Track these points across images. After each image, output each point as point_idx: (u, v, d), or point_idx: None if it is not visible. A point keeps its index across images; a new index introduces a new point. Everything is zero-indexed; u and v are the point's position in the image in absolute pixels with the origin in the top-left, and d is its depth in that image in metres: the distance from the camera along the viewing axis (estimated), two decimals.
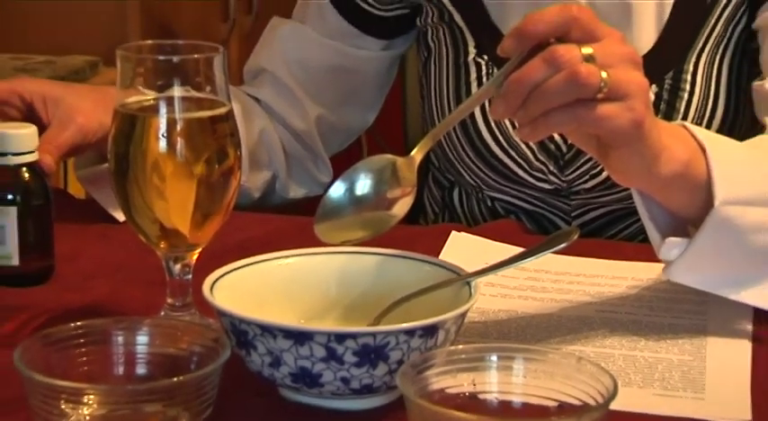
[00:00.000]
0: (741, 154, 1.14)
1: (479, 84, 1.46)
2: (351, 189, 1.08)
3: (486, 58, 1.46)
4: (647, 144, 1.03)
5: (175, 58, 1.04)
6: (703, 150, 1.09)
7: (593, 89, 0.96)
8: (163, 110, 1.03)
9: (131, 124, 1.04)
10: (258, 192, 1.54)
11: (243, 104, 1.53)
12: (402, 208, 1.08)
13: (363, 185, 1.07)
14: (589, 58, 0.96)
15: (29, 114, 1.28)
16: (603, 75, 0.96)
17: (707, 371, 1.05)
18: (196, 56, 1.05)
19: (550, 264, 1.23)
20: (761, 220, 1.10)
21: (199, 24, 2.88)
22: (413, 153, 1.07)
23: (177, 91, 1.04)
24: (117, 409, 0.91)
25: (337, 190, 1.08)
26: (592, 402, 0.85)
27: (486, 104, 1.37)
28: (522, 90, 0.97)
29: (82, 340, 0.95)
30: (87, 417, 0.89)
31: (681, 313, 1.17)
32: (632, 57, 1.01)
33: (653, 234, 1.12)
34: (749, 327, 1.14)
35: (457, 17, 1.49)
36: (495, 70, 1.43)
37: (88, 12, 2.64)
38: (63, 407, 0.88)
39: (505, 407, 0.90)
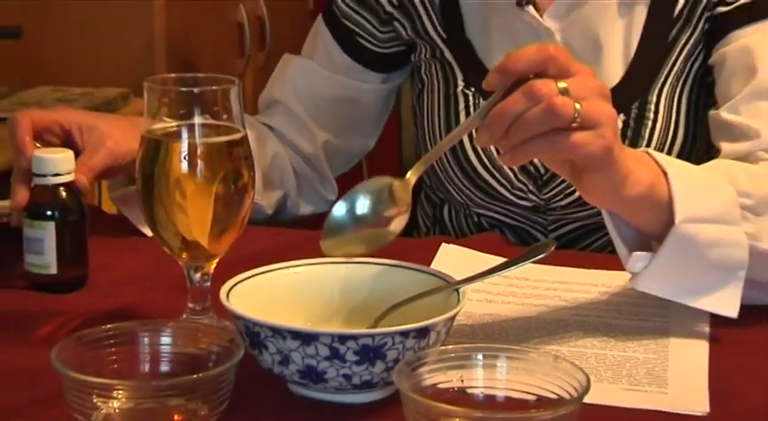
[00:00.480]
0: (699, 177, 1.14)
1: (467, 113, 1.46)
2: (352, 209, 1.08)
3: (472, 90, 1.46)
4: (616, 168, 1.03)
5: (196, 90, 1.04)
6: (665, 174, 1.09)
7: (568, 119, 0.96)
8: (185, 135, 1.03)
9: (156, 148, 1.04)
10: (271, 209, 1.53)
11: (257, 131, 1.52)
12: (397, 225, 1.08)
13: (363, 206, 1.08)
14: (564, 92, 0.96)
15: (67, 140, 1.28)
16: (577, 106, 0.96)
17: (669, 369, 1.05)
18: (214, 87, 1.05)
19: (530, 272, 1.22)
20: (716, 236, 1.10)
21: (218, 59, 2.88)
22: (407, 176, 1.07)
23: (197, 119, 1.04)
24: (143, 403, 0.90)
25: (339, 210, 1.08)
26: (567, 396, 0.85)
27: (474, 131, 1.39)
28: (505, 121, 0.97)
29: (112, 341, 0.94)
30: (117, 410, 0.89)
31: (645, 316, 1.17)
32: (602, 90, 1.02)
33: (620, 249, 1.12)
34: (706, 329, 1.13)
35: (447, 54, 1.49)
36: (482, 101, 1.43)
37: (120, 48, 2.64)
38: (95, 400, 0.88)
39: (490, 400, 0.90)
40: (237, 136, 1.05)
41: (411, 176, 1.08)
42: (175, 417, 0.89)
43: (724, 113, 1.32)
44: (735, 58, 1.35)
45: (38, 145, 1.24)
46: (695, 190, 1.11)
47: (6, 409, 0.95)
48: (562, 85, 0.97)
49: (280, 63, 1.61)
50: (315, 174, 1.60)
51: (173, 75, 1.09)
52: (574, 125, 0.97)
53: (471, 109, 1.46)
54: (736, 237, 1.12)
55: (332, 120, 1.59)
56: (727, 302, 1.12)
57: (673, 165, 1.12)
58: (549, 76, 0.98)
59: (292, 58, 1.61)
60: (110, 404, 0.88)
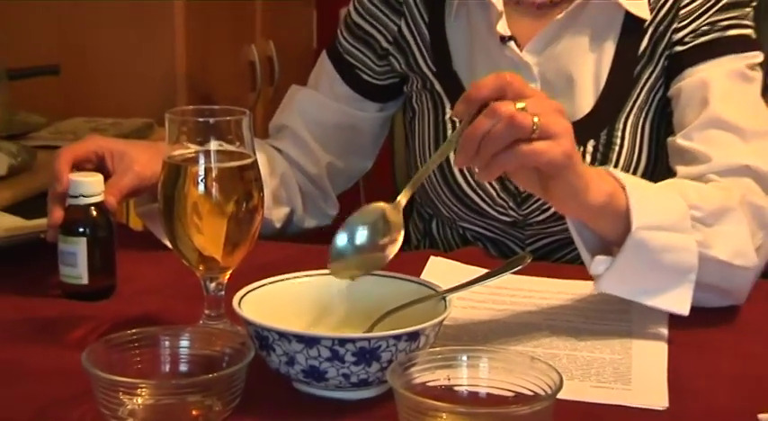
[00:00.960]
0: (653, 190, 1.15)
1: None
2: (352, 239, 1.07)
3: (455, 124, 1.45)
4: (577, 176, 1.04)
5: (211, 120, 1.04)
6: (623, 187, 1.10)
7: (528, 130, 0.97)
8: (201, 161, 1.03)
9: (176, 172, 1.04)
10: (279, 223, 1.53)
11: (267, 154, 1.52)
12: (392, 250, 1.07)
13: (361, 236, 1.07)
14: (522, 110, 0.97)
15: (100, 165, 1.28)
16: (535, 119, 0.97)
17: (632, 368, 1.05)
18: (228, 118, 1.04)
19: (509, 282, 1.21)
20: (668, 242, 1.11)
21: (232, 93, 2.88)
22: (399, 198, 1.07)
23: (213, 145, 1.03)
24: (164, 399, 0.90)
25: (342, 240, 1.07)
26: (542, 393, 0.85)
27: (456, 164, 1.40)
28: (474, 141, 0.98)
29: (136, 344, 0.94)
30: (140, 406, 0.88)
31: (610, 321, 1.16)
32: (557, 107, 1.03)
33: (584, 253, 1.13)
34: (665, 332, 1.13)
35: (436, 85, 1.48)
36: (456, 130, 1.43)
37: (145, 83, 2.64)
38: (121, 397, 0.88)
39: (473, 397, 0.90)
40: (248, 161, 1.05)
41: (401, 199, 1.07)
42: (193, 412, 0.89)
43: (679, 140, 1.32)
44: (690, 91, 1.35)
45: (73, 170, 1.24)
46: (650, 201, 1.12)
47: (42, 404, 0.94)
48: (520, 104, 0.98)
49: (288, 93, 1.61)
50: (318, 192, 1.60)
51: (191, 107, 1.08)
52: (534, 136, 0.98)
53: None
54: (686, 244, 1.12)
55: (334, 144, 1.58)
56: (679, 302, 1.12)
57: (630, 179, 1.13)
58: (507, 99, 0.98)
59: (299, 88, 1.60)
60: (134, 400, 0.88)
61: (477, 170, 1.03)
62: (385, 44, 1.53)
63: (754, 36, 1.39)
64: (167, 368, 0.95)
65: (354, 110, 1.57)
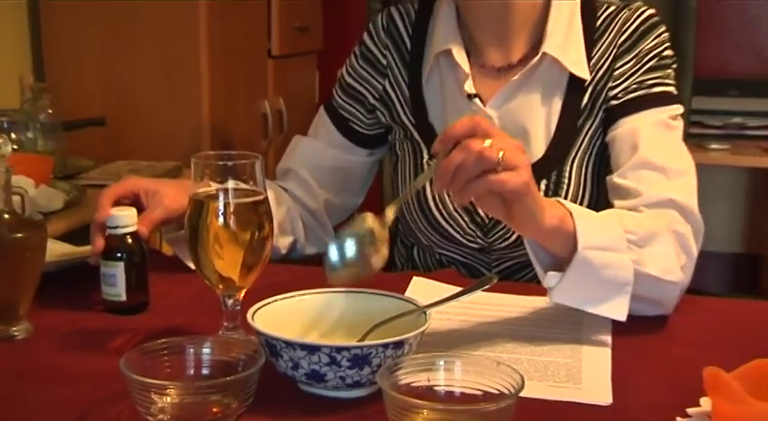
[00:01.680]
0: (595, 217, 1.16)
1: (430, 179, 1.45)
2: (342, 253, 1.07)
3: (434, 161, 1.44)
4: (535, 201, 1.06)
5: (230, 163, 1.04)
6: (571, 214, 1.11)
7: (494, 162, 0.98)
8: (221, 197, 1.03)
9: (200, 207, 1.04)
10: (285, 250, 1.53)
11: (276, 192, 1.52)
12: (378, 262, 1.07)
13: (351, 250, 1.07)
14: (490, 146, 0.98)
15: (136, 200, 1.28)
16: (500, 154, 0.98)
17: (582, 369, 1.04)
18: (244, 161, 1.04)
19: (479, 298, 1.20)
20: (608, 260, 1.12)
21: (248, 140, 2.89)
22: (386, 211, 1.08)
23: (231, 184, 1.03)
24: (189, 399, 0.90)
25: (333, 254, 1.07)
26: (507, 392, 0.85)
27: (433, 191, 1.42)
28: (450, 171, 1.00)
29: (165, 351, 0.94)
30: (169, 404, 0.88)
31: (563, 330, 1.15)
32: (517, 144, 1.04)
33: (539, 270, 1.14)
34: (609, 339, 1.13)
35: (415, 135, 1.49)
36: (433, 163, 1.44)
37: (175, 132, 2.66)
38: (153, 397, 0.87)
39: (449, 395, 0.90)
40: (260, 197, 1.05)
41: (388, 213, 1.08)
42: (214, 410, 0.89)
43: (616, 179, 1.33)
44: (623, 138, 1.36)
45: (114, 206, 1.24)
46: (593, 226, 1.12)
47: (87, 403, 0.93)
48: (488, 141, 0.99)
49: (292, 141, 1.61)
50: (317, 224, 1.59)
51: (213, 152, 1.08)
52: (499, 168, 0.99)
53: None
54: (623, 262, 1.13)
55: (330, 184, 1.58)
56: (618, 310, 1.13)
57: (576, 207, 1.14)
58: (477, 137, 0.99)
59: (301, 138, 1.60)
60: (164, 400, 0.88)
61: (452, 196, 1.04)
62: (372, 101, 1.53)
63: (675, 92, 1.40)
64: (192, 372, 0.95)
65: (347, 155, 1.57)
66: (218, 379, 0.91)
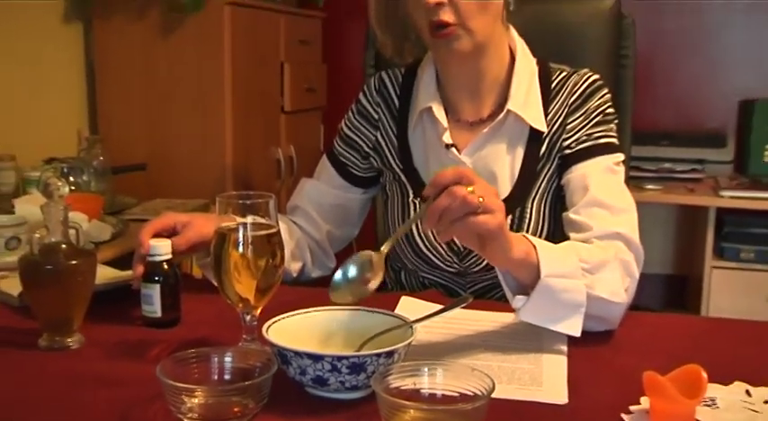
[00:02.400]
0: (555, 249, 1.15)
1: (418, 210, 1.45)
2: (345, 275, 1.08)
3: (419, 200, 1.45)
4: (505, 240, 1.05)
5: (248, 201, 1.03)
6: (534, 247, 1.10)
7: (475, 207, 0.98)
8: (241, 230, 1.02)
9: (223, 238, 1.03)
10: (295, 274, 1.52)
11: (287, 225, 1.51)
12: (374, 285, 1.08)
13: (353, 272, 1.08)
14: (471, 192, 0.98)
15: (172, 232, 1.27)
16: (480, 199, 0.98)
17: (543, 374, 1.04)
18: (260, 200, 1.04)
19: (457, 314, 1.18)
20: (566, 286, 1.11)
21: (263, 181, 2.89)
22: (382, 248, 1.08)
23: (249, 219, 1.03)
24: (213, 400, 0.89)
25: (338, 275, 1.08)
26: (480, 393, 0.85)
27: (420, 224, 1.41)
28: (437, 213, 0.99)
29: (194, 360, 0.93)
30: (197, 404, 0.87)
31: (527, 342, 1.14)
32: (495, 191, 1.03)
33: (508, 294, 1.13)
34: (565, 349, 1.12)
35: (403, 178, 1.48)
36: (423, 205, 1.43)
37: (204, 175, 2.66)
38: (183, 398, 0.87)
39: (432, 397, 0.89)
40: (274, 230, 1.04)
41: (384, 249, 1.08)
42: (234, 409, 0.88)
43: (570, 215, 1.32)
44: (575, 181, 1.36)
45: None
46: (553, 257, 1.11)
47: (128, 403, 0.93)
48: (470, 188, 0.98)
49: (299, 183, 1.61)
50: (322, 251, 1.58)
51: (234, 192, 1.07)
52: (479, 211, 0.99)
53: (418, 211, 1.45)
54: (578, 287, 1.12)
55: (332, 218, 1.57)
56: (573, 328, 1.12)
57: (539, 242, 1.13)
58: (461, 184, 0.99)
59: (307, 180, 1.59)
60: (192, 401, 0.87)
61: (437, 233, 1.03)
62: (366, 149, 1.53)
63: (617, 143, 1.40)
64: (216, 377, 0.94)
65: (346, 194, 1.56)
66: (237, 383, 0.90)
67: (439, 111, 1.42)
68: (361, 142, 1.53)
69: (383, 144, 1.51)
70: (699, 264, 3.00)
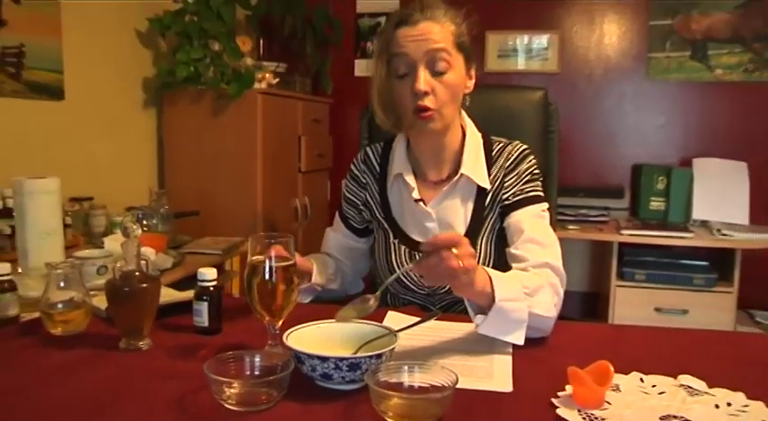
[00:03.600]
0: (505, 277, 1.13)
1: (396, 254, 1.43)
2: (352, 304, 1.07)
3: (397, 241, 1.43)
4: (472, 283, 1.05)
5: (273, 240, 1.02)
6: (490, 278, 1.09)
7: (456, 271, 0.98)
8: (267, 262, 1.01)
9: (254, 268, 1.02)
10: (337, 290, 1.49)
11: (327, 259, 1.50)
12: (372, 309, 1.06)
13: (355, 303, 1.07)
14: (456, 256, 0.97)
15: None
16: (461, 263, 0.98)
17: (494, 369, 1.02)
18: (281, 239, 1.02)
19: (430, 324, 1.16)
20: (513, 307, 1.09)
21: (285, 223, 2.88)
22: (377, 293, 1.07)
23: (273, 254, 1.02)
24: (246, 390, 0.87)
25: (346, 307, 1.07)
26: (447, 385, 0.84)
27: (402, 260, 1.40)
28: (428, 270, 0.99)
29: (232, 359, 0.92)
30: (234, 394, 0.86)
31: (482, 346, 1.12)
32: (473, 253, 1.02)
33: (471, 314, 1.11)
34: (510, 350, 1.10)
35: (385, 225, 1.46)
36: (403, 247, 1.42)
37: (240, 219, 2.65)
38: (224, 388, 0.86)
39: (411, 388, 0.88)
40: (291, 262, 1.03)
41: (379, 292, 1.08)
42: (262, 397, 0.87)
43: (512, 250, 1.31)
44: (513, 225, 1.34)
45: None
46: (504, 285, 1.10)
47: (182, 392, 0.91)
48: (455, 251, 0.98)
49: (325, 232, 1.58)
50: (351, 277, 1.56)
51: (262, 233, 1.07)
52: (458, 272, 0.98)
53: (397, 251, 1.43)
54: (522, 307, 1.10)
55: (350, 257, 1.54)
56: (519, 338, 1.10)
57: (493, 273, 1.11)
58: (450, 246, 0.98)
59: (330, 230, 1.57)
60: (230, 390, 0.86)
61: (423, 279, 1.03)
62: (360, 206, 1.51)
63: (542, 195, 1.39)
64: (248, 373, 0.92)
65: (353, 242, 1.54)
66: (264, 377, 0.89)
67: (408, 177, 1.41)
68: (356, 200, 1.52)
69: (370, 201, 1.49)
70: (606, 284, 2.99)
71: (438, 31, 1.27)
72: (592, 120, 3.38)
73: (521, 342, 1.10)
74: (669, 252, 3.00)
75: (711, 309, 2.82)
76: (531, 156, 1.41)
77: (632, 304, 2.90)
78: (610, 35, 3.34)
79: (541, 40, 3.36)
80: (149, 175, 2.79)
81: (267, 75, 2.80)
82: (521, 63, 3.39)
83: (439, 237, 0.99)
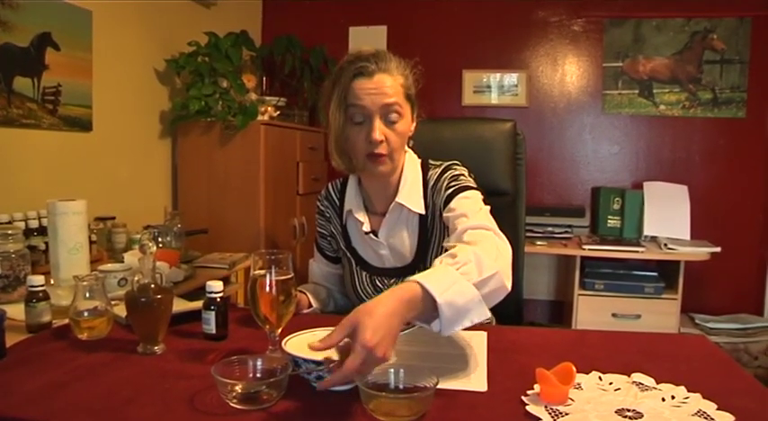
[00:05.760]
0: (433, 272, 0.98)
1: (359, 279, 1.41)
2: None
3: (359, 268, 1.42)
4: (399, 324, 0.90)
5: (273, 257, 1.02)
6: (418, 282, 0.94)
7: (371, 352, 0.85)
8: (267, 276, 1.01)
9: (255, 281, 1.01)
10: (324, 309, 1.47)
11: (317, 286, 1.50)
12: None
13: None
14: (355, 347, 0.86)
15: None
16: (364, 342, 0.85)
17: (470, 371, 1.02)
18: (281, 255, 1.02)
19: (414, 331, 1.16)
20: (456, 291, 0.94)
21: (285, 241, 2.85)
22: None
23: (273, 269, 1.01)
24: (250, 389, 0.87)
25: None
26: (429, 386, 0.84)
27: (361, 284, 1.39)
28: (357, 371, 0.85)
29: (236, 363, 0.92)
30: (238, 393, 0.85)
31: (458, 349, 1.12)
32: (362, 322, 0.87)
33: (426, 326, 0.98)
34: (485, 353, 1.10)
35: (348, 253, 1.44)
36: (365, 273, 1.40)
37: (243, 236, 2.63)
38: (229, 388, 0.85)
39: (396, 388, 0.88)
40: (289, 277, 1.02)
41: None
42: (263, 397, 0.86)
43: (450, 227, 1.23)
44: (451, 215, 1.26)
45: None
46: (434, 279, 0.95)
47: (192, 392, 0.90)
48: (349, 340, 0.88)
49: (309, 263, 1.56)
50: (339, 296, 1.53)
51: (264, 250, 1.06)
52: (375, 350, 0.85)
53: (359, 277, 1.41)
54: (464, 286, 0.96)
55: (332, 281, 1.53)
56: (483, 315, 0.97)
57: (419, 275, 0.95)
58: (343, 339, 0.88)
59: (312, 261, 1.55)
60: (235, 390, 0.85)
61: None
62: (329, 237, 1.49)
63: (473, 185, 1.31)
64: (251, 374, 0.92)
65: (330, 269, 1.52)
66: (265, 379, 0.89)
67: (358, 213, 1.39)
68: (325, 232, 1.50)
69: (334, 232, 1.47)
70: (570, 293, 3.00)
71: (391, 85, 1.24)
72: (556, 148, 3.42)
73: (487, 316, 0.96)
74: (624, 264, 3.03)
75: (660, 314, 2.84)
76: (456, 167, 1.36)
77: (593, 310, 2.91)
78: (570, 74, 3.39)
79: (512, 78, 3.41)
80: (165, 197, 2.78)
81: (269, 108, 2.83)
82: (494, 98, 3.43)
83: (325, 342, 0.87)
